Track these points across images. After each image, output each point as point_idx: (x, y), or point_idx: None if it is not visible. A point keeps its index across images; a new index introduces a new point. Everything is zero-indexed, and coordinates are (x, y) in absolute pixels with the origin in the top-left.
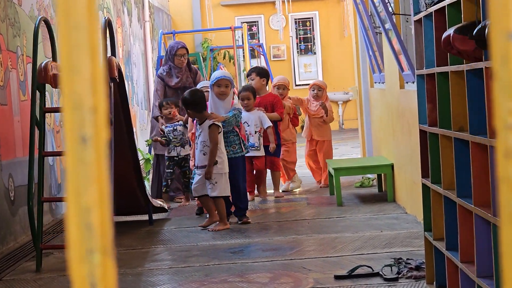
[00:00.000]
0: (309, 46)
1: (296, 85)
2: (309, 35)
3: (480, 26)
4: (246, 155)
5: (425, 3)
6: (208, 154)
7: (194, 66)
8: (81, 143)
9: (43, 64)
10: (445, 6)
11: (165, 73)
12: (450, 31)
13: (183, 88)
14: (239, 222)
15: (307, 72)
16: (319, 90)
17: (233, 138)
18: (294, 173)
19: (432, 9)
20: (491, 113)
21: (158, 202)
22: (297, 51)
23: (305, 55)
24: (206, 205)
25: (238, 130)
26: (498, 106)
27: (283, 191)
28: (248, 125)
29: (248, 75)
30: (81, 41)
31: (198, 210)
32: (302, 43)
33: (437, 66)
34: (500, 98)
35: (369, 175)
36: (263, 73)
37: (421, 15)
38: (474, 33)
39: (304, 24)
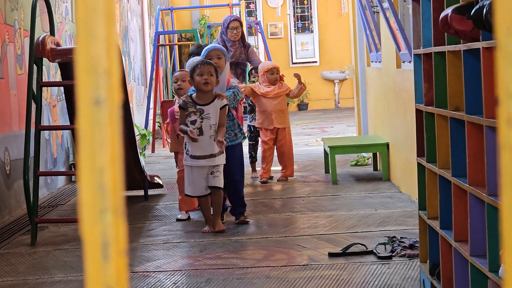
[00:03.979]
0: (307, 25)
1: (293, 63)
2: (306, 13)
3: (478, 6)
4: None
5: None
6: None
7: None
8: (95, 105)
9: (40, 38)
10: None
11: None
12: (448, 10)
13: (236, 63)
14: (236, 222)
15: (304, 50)
16: (277, 74)
17: (229, 123)
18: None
19: None
20: (487, 93)
21: (154, 178)
22: (295, 29)
23: (302, 33)
24: (206, 207)
25: (235, 113)
26: (501, 75)
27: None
28: None
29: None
30: (98, 5)
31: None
32: (299, 21)
33: (434, 46)
34: (504, 68)
35: (364, 154)
36: None
37: None
38: (471, 13)
39: (301, 2)
